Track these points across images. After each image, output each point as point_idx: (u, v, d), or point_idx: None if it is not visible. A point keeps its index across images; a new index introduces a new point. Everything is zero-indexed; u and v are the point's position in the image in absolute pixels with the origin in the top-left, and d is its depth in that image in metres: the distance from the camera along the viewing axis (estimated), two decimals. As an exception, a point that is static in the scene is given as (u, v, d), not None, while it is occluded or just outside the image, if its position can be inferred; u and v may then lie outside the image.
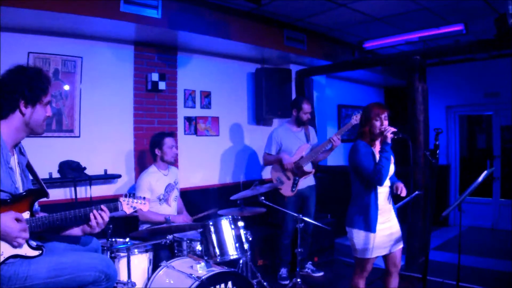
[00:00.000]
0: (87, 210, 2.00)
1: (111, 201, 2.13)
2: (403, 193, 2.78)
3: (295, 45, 5.10)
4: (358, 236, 2.71)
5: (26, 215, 1.83)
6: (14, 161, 1.92)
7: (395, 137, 2.68)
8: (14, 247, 1.74)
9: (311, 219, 4.06)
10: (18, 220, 1.73)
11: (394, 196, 2.86)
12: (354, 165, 2.74)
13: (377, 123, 2.72)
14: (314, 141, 4.30)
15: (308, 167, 4.14)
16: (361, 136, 2.79)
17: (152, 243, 2.93)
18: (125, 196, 2.19)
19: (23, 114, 1.88)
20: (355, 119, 3.72)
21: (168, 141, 3.58)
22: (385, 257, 2.82)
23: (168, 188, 3.60)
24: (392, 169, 2.80)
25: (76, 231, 2.08)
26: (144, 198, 2.26)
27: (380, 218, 2.69)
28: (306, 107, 4.15)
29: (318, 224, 3.61)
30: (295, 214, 3.52)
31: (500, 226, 6.33)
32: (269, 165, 4.30)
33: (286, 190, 4.05)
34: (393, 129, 2.66)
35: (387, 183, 2.79)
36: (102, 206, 2.04)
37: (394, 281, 2.86)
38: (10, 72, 1.88)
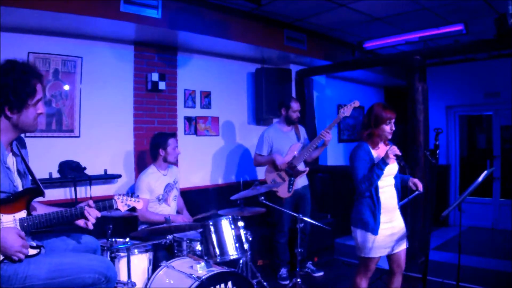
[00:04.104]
0: (82, 208, 2.00)
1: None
2: (420, 187, 2.78)
3: (295, 45, 5.10)
4: (361, 235, 2.72)
5: (23, 213, 1.83)
6: (11, 161, 1.91)
7: (397, 160, 2.67)
8: (13, 261, 1.74)
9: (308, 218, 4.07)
10: (20, 237, 1.74)
11: (399, 194, 2.86)
12: (350, 166, 2.75)
13: (387, 127, 2.72)
14: (305, 140, 4.28)
15: (301, 166, 4.13)
16: (368, 138, 2.76)
17: (152, 243, 2.93)
18: (120, 194, 2.21)
19: (9, 119, 1.82)
20: (342, 112, 3.77)
21: (172, 142, 3.60)
22: (389, 257, 2.83)
23: (167, 188, 3.60)
24: (395, 167, 2.79)
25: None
26: (138, 196, 2.28)
27: (383, 218, 2.70)
28: (294, 105, 4.14)
29: (318, 224, 3.61)
30: (295, 214, 3.52)
31: (500, 226, 6.33)
32: (260, 166, 4.27)
33: (283, 191, 4.03)
34: (398, 152, 2.61)
35: (391, 181, 2.79)
36: (90, 202, 2.03)
37: (397, 281, 2.86)
38: None
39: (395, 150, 2.61)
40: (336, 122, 3.98)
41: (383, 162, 2.61)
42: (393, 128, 2.74)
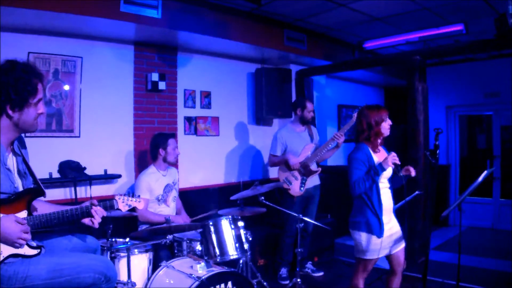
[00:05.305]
0: (83, 208, 2.01)
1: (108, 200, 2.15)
2: (413, 173, 2.76)
3: (295, 45, 5.10)
4: (362, 238, 2.71)
5: (23, 214, 1.83)
6: (11, 161, 1.90)
7: (394, 169, 2.68)
8: (16, 248, 1.75)
9: (312, 218, 4.09)
10: (19, 222, 1.73)
11: (394, 196, 2.86)
12: (348, 167, 2.76)
13: (385, 124, 2.75)
14: (317, 141, 4.33)
15: (314, 166, 4.18)
16: (368, 140, 2.77)
17: (152, 243, 2.93)
18: (121, 194, 2.22)
19: (10, 118, 1.82)
20: (355, 115, 3.76)
21: (172, 142, 3.62)
22: (389, 257, 2.82)
23: (167, 189, 3.60)
24: (390, 170, 2.80)
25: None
26: (139, 196, 2.28)
27: (383, 219, 2.69)
28: (309, 105, 4.21)
29: (318, 224, 3.61)
30: (295, 214, 3.52)
31: (500, 226, 6.33)
32: (275, 166, 4.32)
33: (295, 189, 4.08)
34: (397, 161, 2.62)
35: (387, 184, 2.80)
36: (94, 201, 2.04)
37: (397, 281, 2.86)
38: None
39: (395, 158, 2.62)
40: (350, 125, 3.99)
41: (381, 167, 2.62)
42: (390, 123, 2.77)
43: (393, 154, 2.64)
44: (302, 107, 4.19)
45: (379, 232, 2.65)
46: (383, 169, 2.61)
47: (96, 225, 2.05)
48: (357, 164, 2.70)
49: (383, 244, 2.70)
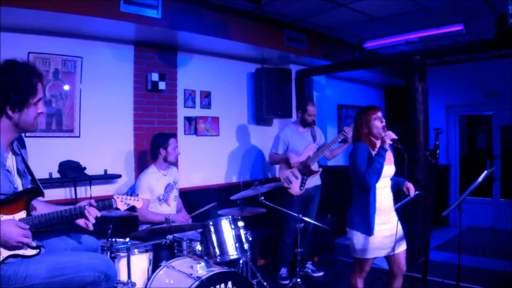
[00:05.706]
0: (82, 208, 2.00)
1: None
2: (412, 192, 2.79)
3: (295, 45, 5.10)
4: (357, 237, 2.72)
5: (22, 214, 1.83)
6: (10, 161, 1.90)
7: (394, 144, 2.70)
8: (15, 256, 1.74)
9: (312, 218, 4.09)
10: (20, 227, 1.74)
11: (395, 196, 2.86)
12: (351, 166, 2.76)
13: (377, 122, 2.75)
14: (321, 141, 4.34)
15: (315, 167, 4.18)
16: (360, 139, 2.79)
17: (152, 243, 2.93)
18: (120, 193, 2.21)
19: (10, 118, 1.82)
20: None
21: (173, 142, 3.62)
22: (388, 259, 2.82)
23: (168, 188, 3.60)
24: (392, 169, 2.80)
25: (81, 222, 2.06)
26: (137, 195, 2.28)
27: (379, 219, 2.69)
28: (311, 109, 4.20)
29: (318, 224, 3.61)
30: (295, 214, 3.52)
31: (500, 226, 6.34)
32: (275, 164, 4.33)
33: (295, 189, 4.10)
34: (393, 136, 2.66)
35: (387, 183, 2.80)
36: (92, 201, 2.04)
37: (397, 283, 2.86)
38: None
39: (391, 134, 2.65)
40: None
41: (382, 148, 2.65)
42: (383, 121, 2.78)
43: (389, 132, 2.68)
44: (303, 110, 4.20)
45: (369, 231, 2.66)
46: (385, 150, 2.64)
47: (91, 227, 2.03)
48: (360, 158, 2.70)
49: (379, 245, 2.70)
